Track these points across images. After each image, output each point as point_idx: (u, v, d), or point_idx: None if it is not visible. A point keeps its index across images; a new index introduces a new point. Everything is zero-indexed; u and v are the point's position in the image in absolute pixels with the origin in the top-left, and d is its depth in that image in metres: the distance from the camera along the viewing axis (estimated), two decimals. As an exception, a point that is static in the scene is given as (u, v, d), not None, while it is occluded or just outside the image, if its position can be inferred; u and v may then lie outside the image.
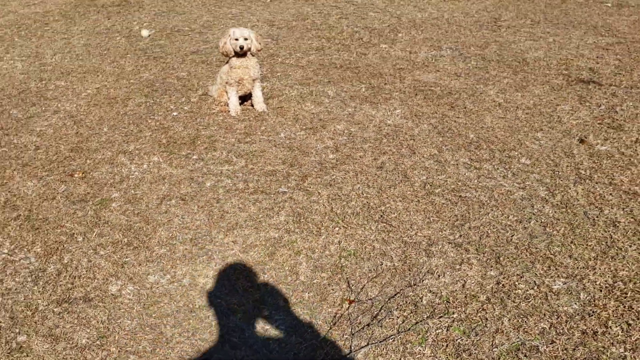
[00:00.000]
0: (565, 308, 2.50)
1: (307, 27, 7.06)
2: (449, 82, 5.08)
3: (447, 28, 6.82)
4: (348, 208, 3.28)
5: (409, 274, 2.74)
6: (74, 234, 3.12)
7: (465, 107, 4.53)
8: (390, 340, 2.35)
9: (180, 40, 6.66)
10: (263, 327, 2.47)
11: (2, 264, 2.90)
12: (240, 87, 4.44)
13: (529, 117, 4.32)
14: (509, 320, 2.44)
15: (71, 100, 4.91)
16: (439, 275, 2.71)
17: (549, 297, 2.56)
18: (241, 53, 4.22)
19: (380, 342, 2.35)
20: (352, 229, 3.09)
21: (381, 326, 2.43)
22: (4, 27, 7.39)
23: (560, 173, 3.55)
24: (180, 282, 2.74)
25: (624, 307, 2.49)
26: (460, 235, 2.99)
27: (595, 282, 2.64)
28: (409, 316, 2.48)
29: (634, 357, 2.24)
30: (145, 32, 6.82)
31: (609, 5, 7.66)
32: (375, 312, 2.51)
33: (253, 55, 4.33)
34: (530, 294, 2.58)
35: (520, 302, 2.53)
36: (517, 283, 2.65)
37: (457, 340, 2.35)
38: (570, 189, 3.38)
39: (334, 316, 2.50)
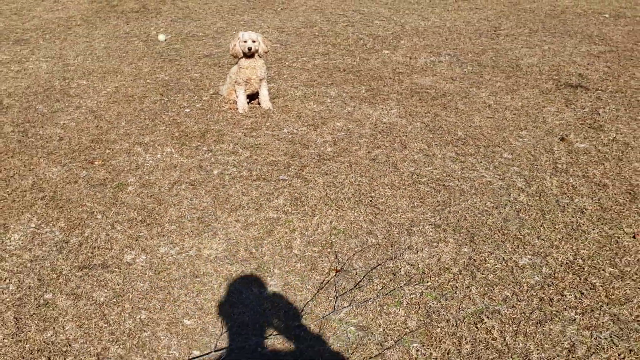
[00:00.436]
0: (528, 280, 2.80)
1: (314, 34, 7.43)
2: (444, 85, 5.40)
3: (447, 36, 7.16)
4: (341, 194, 3.61)
5: (391, 249, 3.06)
6: (93, 212, 3.48)
7: (456, 108, 4.85)
8: (370, 303, 2.68)
9: (195, 44, 7.06)
10: (259, 290, 2.80)
11: (31, 236, 3.27)
12: (248, 87, 4.80)
13: (515, 117, 4.63)
14: (476, 288, 2.75)
15: (92, 98, 5.31)
16: (417, 251, 3.03)
17: (514, 271, 2.87)
18: (249, 54, 4.59)
19: (360, 304, 2.68)
20: (343, 211, 3.42)
21: (362, 291, 2.76)
22: (30, 31, 7.85)
23: (538, 166, 3.86)
24: (187, 253, 3.09)
25: (580, 279, 2.79)
26: (440, 218, 3.31)
27: (558, 259, 2.95)
28: (387, 283, 2.80)
29: (582, 319, 2.54)
30: (161, 37, 7.23)
31: (607, 16, 7.94)
32: (358, 280, 2.83)
33: (260, 57, 4.70)
34: (497, 268, 2.89)
35: (488, 274, 2.85)
36: (487, 259, 2.96)
37: (428, 304, 2.67)
38: (546, 180, 3.69)
39: (322, 282, 2.83)
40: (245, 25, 7.92)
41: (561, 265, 2.89)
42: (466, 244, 3.08)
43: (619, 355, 2.36)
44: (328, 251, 3.07)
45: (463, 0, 9.20)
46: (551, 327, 2.51)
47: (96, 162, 4.08)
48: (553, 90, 5.19)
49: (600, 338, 2.44)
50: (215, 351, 2.44)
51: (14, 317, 2.65)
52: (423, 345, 2.43)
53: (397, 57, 6.32)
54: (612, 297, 2.68)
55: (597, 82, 5.37)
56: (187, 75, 5.88)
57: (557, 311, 2.59)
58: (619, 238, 3.10)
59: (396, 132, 4.44)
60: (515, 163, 3.91)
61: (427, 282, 2.81)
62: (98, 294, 2.80)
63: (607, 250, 3.00)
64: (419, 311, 2.62)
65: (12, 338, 2.53)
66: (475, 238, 3.12)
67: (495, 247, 3.04)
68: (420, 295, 2.72)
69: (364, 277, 2.85)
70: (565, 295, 2.68)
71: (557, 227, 3.21)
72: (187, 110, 4.98)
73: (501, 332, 2.49)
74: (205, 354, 2.43)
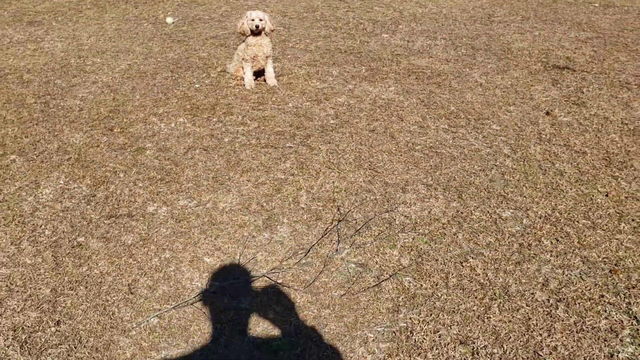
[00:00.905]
0: (510, 229, 3.15)
1: (316, 18, 7.74)
2: (439, 66, 5.73)
3: (443, 22, 7.48)
4: (343, 159, 3.94)
5: (387, 204, 3.40)
6: (116, 171, 3.81)
7: (450, 86, 5.19)
8: (367, 245, 3.02)
9: (201, 27, 7.37)
10: (270, 235, 3.14)
11: (60, 190, 3.59)
12: (255, 63, 5.12)
13: (504, 95, 4.97)
14: (463, 235, 3.10)
15: (107, 74, 5.63)
16: (410, 205, 3.38)
17: (497, 222, 3.21)
18: (257, 32, 4.91)
19: (359, 246, 3.02)
20: (344, 173, 3.75)
21: (361, 236, 3.10)
22: (42, 14, 8.14)
23: (524, 136, 4.20)
24: (204, 205, 3.42)
25: (556, 229, 3.14)
26: (432, 179, 3.65)
27: (537, 212, 3.29)
28: (384, 230, 3.14)
29: (556, 260, 2.89)
30: (169, 20, 7.54)
31: (596, 5, 8.28)
32: (358, 228, 3.17)
33: (267, 35, 5.02)
34: (482, 219, 3.23)
35: (473, 224, 3.19)
36: (473, 212, 3.30)
37: (420, 247, 3.01)
38: (530, 148, 4.03)
39: (326, 229, 3.17)
40: (250, 9, 8.21)
41: (540, 218, 3.24)
42: (454, 200, 3.42)
43: (585, 287, 2.70)
44: (331, 206, 3.40)
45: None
46: (528, 266, 2.86)
47: (115, 130, 4.41)
48: (541, 71, 5.53)
49: (571, 275, 2.79)
50: (232, 281, 2.77)
51: (52, 255, 2.98)
52: (414, 279, 2.78)
53: (395, 41, 6.65)
54: (584, 243, 3.02)
55: (583, 64, 5.71)
56: (195, 55, 6.20)
57: (534, 254, 2.94)
58: (593, 196, 3.45)
59: (394, 107, 4.77)
60: (502, 133, 4.25)
61: (419, 229, 3.15)
62: (125, 237, 3.13)
63: (582, 206, 3.35)
64: (412, 252, 2.97)
65: (52, 271, 2.86)
66: (463, 195, 3.47)
67: (480, 203, 3.39)
68: (413, 240, 3.06)
69: (362, 225, 3.19)
70: (543, 242, 3.03)
71: (538, 186, 3.55)
72: (197, 85, 5.30)
73: (484, 269, 2.84)
74: (224, 283, 2.76)
